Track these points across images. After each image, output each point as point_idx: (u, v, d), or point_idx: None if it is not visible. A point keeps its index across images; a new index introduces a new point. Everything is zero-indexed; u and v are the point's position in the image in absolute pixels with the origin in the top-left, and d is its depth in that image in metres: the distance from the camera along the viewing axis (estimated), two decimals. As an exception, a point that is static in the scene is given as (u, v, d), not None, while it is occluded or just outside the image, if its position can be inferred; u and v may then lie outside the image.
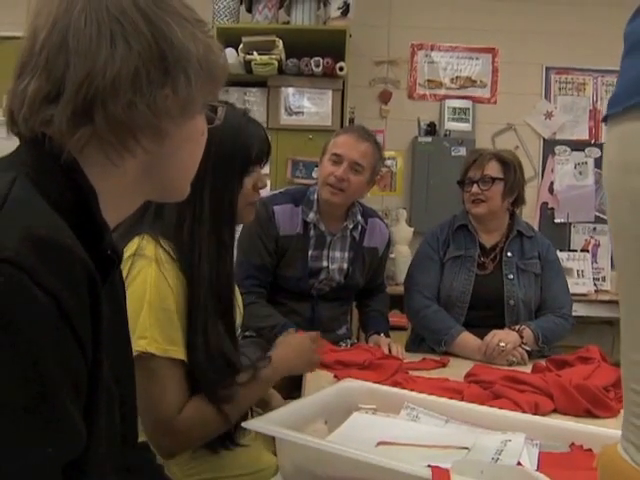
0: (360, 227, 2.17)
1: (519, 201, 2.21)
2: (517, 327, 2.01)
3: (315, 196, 2.11)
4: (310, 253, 2.09)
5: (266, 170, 3.25)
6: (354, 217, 2.14)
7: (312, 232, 2.10)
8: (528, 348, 1.97)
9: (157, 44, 0.66)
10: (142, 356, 1.08)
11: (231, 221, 1.25)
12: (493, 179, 2.11)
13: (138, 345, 1.08)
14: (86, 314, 0.58)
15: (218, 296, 1.20)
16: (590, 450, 1.01)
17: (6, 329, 0.51)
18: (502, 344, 1.92)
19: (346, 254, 2.15)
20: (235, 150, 1.23)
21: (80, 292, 0.57)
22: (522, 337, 1.97)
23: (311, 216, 2.08)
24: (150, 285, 1.11)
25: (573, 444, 1.03)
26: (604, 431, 1.04)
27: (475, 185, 2.12)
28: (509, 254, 2.15)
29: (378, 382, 1.56)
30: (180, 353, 1.13)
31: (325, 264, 2.11)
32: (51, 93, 0.64)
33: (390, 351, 1.95)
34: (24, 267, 0.53)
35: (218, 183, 1.20)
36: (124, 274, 1.11)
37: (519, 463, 0.91)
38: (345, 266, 2.14)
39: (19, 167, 0.64)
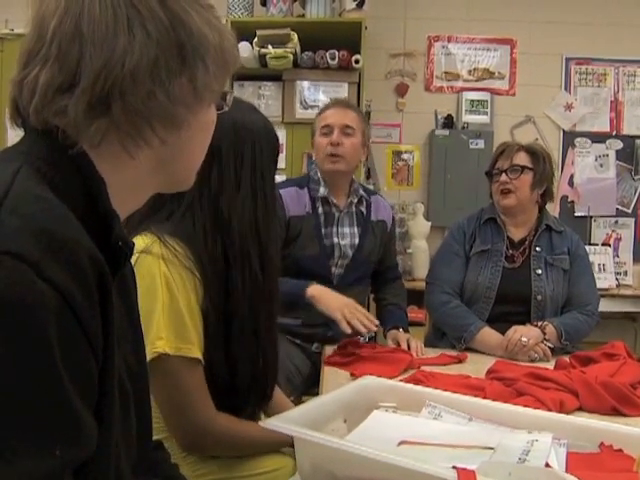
0: (365, 202, 2.20)
1: (547, 195, 2.16)
2: (539, 323, 1.96)
3: (318, 175, 2.14)
4: (323, 232, 2.11)
5: (281, 164, 3.24)
6: (357, 192, 2.17)
7: (320, 209, 2.12)
8: (551, 345, 1.93)
9: (175, 31, 0.63)
10: (161, 357, 1.08)
11: (274, 215, 1.25)
12: (522, 168, 2.07)
13: (157, 346, 1.08)
14: (95, 309, 0.55)
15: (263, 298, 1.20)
16: (621, 450, 0.97)
17: (9, 325, 0.49)
18: (524, 339, 1.88)
19: (355, 229, 2.17)
20: (272, 140, 1.25)
21: (88, 286, 0.54)
22: (544, 333, 1.93)
23: (322, 190, 2.11)
24: (161, 283, 1.09)
25: (602, 444, 0.99)
26: (636, 430, 1.00)
27: (504, 174, 2.08)
28: (538, 249, 2.10)
29: (393, 376, 1.54)
30: (195, 351, 1.11)
31: (336, 240, 2.13)
32: (64, 83, 0.61)
33: (409, 347, 1.92)
34: (28, 260, 0.50)
35: (262, 166, 1.21)
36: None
37: (547, 464, 0.87)
38: (356, 242, 2.15)
39: (25, 157, 0.61)
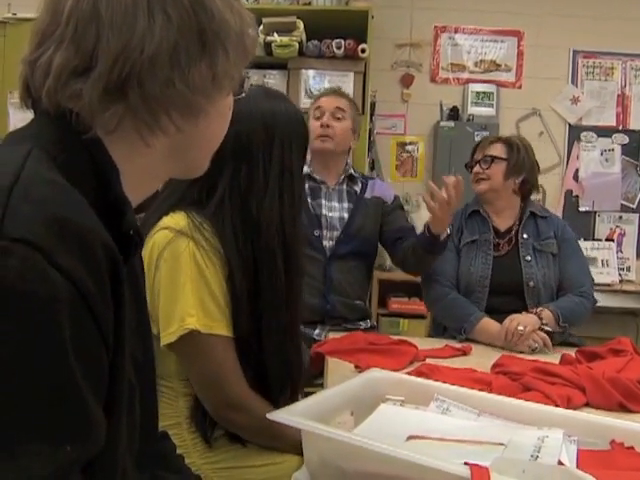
0: (361, 183, 2.27)
1: (529, 184, 2.20)
2: (535, 310, 1.98)
3: (308, 156, 2.20)
4: (310, 202, 2.19)
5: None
6: (347, 171, 2.27)
7: (306, 184, 2.21)
8: (549, 329, 1.94)
9: (196, 15, 0.61)
10: (192, 334, 1.10)
11: (300, 213, 1.27)
12: (493, 158, 2.15)
13: (187, 322, 1.10)
14: (107, 299, 0.53)
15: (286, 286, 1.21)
16: (632, 448, 0.96)
17: (20, 315, 0.47)
18: (520, 328, 1.88)
19: (345, 205, 2.23)
20: (301, 134, 1.27)
21: (101, 275, 0.52)
22: (541, 319, 1.93)
23: (305, 169, 2.17)
24: (189, 262, 1.12)
25: (613, 441, 0.98)
26: (648, 428, 0.99)
27: (478, 165, 2.17)
28: (525, 236, 2.14)
29: (399, 369, 1.53)
30: (225, 329, 1.14)
31: (324, 212, 2.21)
32: (80, 66, 0.59)
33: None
34: (40, 247, 0.48)
35: (290, 165, 1.23)
36: (160, 247, 1.12)
37: (560, 462, 0.86)
38: (345, 216, 2.21)
39: (35, 140, 0.59)
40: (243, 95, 0.75)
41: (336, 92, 2.34)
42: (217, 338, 1.13)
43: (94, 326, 0.52)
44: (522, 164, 2.16)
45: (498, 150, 2.17)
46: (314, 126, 2.19)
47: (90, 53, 0.58)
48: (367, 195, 2.26)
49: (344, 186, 2.26)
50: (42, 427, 0.48)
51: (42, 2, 0.62)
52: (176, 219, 1.15)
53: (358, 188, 2.27)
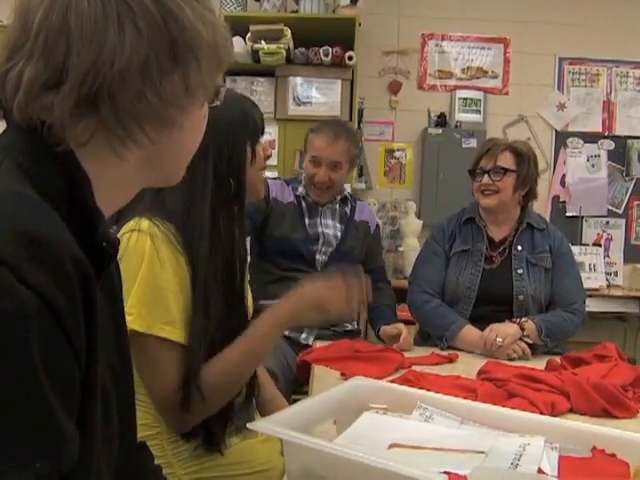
0: (350, 204, 2.34)
1: (531, 195, 2.14)
2: (518, 320, 1.95)
3: (302, 176, 2.32)
4: (307, 222, 2.25)
5: (273, 161, 3.22)
6: (342, 192, 2.33)
7: (304, 204, 2.28)
8: (530, 341, 1.92)
9: (167, 27, 0.60)
10: (132, 333, 1.03)
11: (241, 196, 1.23)
12: (505, 170, 2.04)
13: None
14: (79, 313, 0.53)
15: (226, 277, 1.19)
16: (614, 455, 0.96)
17: None
18: (499, 340, 1.87)
19: (337, 224, 2.29)
20: (243, 119, 1.22)
21: (71, 290, 0.52)
22: (523, 330, 1.92)
23: (300, 189, 2.28)
24: (144, 260, 1.08)
25: (595, 448, 0.98)
26: (629, 435, 0.99)
27: (486, 175, 2.06)
28: (519, 248, 2.08)
29: (384, 376, 1.53)
30: (173, 334, 1.08)
31: (320, 229, 2.26)
32: (50, 80, 0.58)
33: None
34: (6, 262, 0.47)
35: (226, 156, 1.19)
36: (121, 251, 1.09)
37: (540, 470, 0.86)
38: (339, 234, 2.27)
39: (6, 152, 0.58)
40: (218, 103, 0.74)
41: (333, 133, 2.20)
42: (155, 339, 1.07)
43: (65, 341, 0.51)
44: (531, 176, 2.08)
45: (508, 160, 2.05)
46: (309, 172, 2.22)
47: (60, 67, 0.58)
48: (356, 218, 2.32)
49: (336, 206, 2.31)
50: (11, 444, 0.47)
51: (12, 13, 0.62)
52: (139, 222, 1.12)
53: (348, 210, 2.33)
